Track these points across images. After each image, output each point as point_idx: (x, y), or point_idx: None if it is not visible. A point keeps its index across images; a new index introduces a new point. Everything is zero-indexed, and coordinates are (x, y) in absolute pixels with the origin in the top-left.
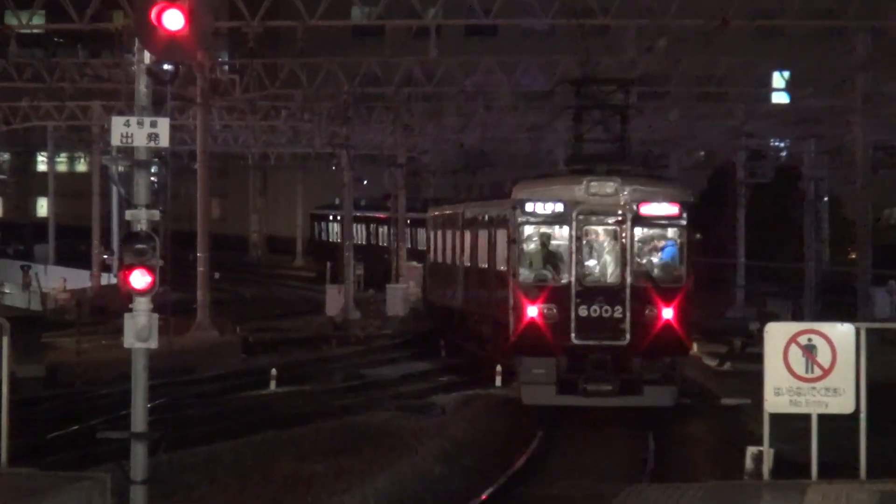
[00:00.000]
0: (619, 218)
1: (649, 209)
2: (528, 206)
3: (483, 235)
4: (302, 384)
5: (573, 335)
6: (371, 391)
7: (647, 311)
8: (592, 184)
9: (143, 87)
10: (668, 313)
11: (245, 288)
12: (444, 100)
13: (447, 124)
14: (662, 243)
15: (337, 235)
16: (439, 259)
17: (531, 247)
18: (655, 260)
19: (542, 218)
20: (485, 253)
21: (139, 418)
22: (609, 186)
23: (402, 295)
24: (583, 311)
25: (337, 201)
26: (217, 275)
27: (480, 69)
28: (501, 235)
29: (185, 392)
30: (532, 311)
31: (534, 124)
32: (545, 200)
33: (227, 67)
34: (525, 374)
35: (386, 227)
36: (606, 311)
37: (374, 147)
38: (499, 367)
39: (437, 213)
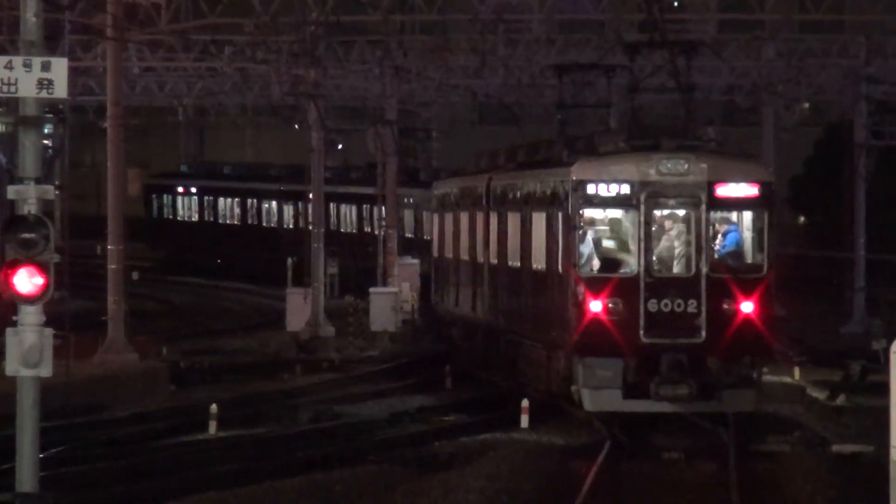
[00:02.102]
0: (693, 200)
1: (726, 190)
2: (591, 188)
3: (520, 219)
4: (254, 426)
5: (642, 333)
6: (350, 436)
7: (724, 305)
8: (663, 162)
9: (31, 14)
10: (747, 307)
11: (175, 293)
12: (452, 31)
13: (455, 66)
14: (741, 228)
15: (188, 213)
16: (453, 252)
17: (593, 233)
18: (733, 247)
19: (605, 200)
20: (526, 242)
21: (27, 474)
22: (682, 165)
23: (392, 303)
24: (653, 306)
25: (184, 168)
26: (136, 275)
27: None
28: (545, 218)
29: (90, 438)
30: (595, 307)
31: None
32: (609, 181)
33: None
34: (588, 377)
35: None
36: (679, 305)
37: (355, 97)
38: (525, 403)
39: (447, 188)
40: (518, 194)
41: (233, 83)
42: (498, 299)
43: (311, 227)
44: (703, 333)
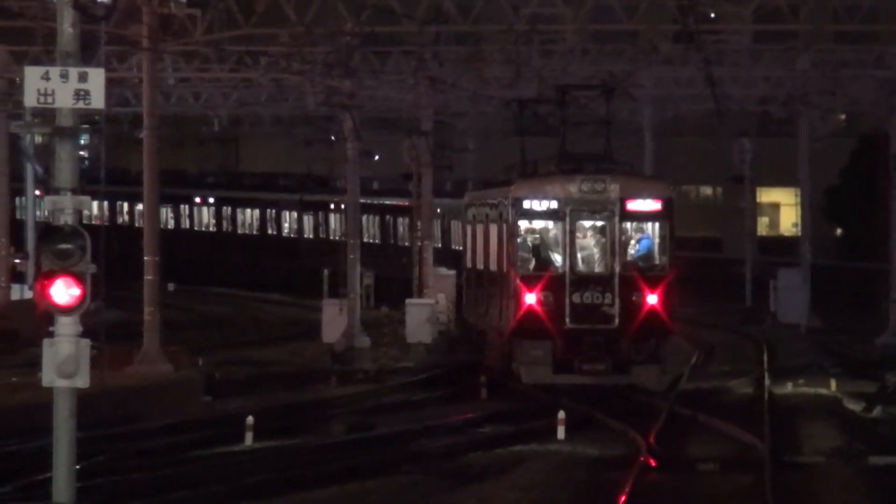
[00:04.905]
0: (608, 213)
1: (635, 205)
2: (526, 203)
3: (485, 229)
4: (289, 437)
5: (567, 320)
6: (384, 447)
7: (633, 298)
8: (584, 182)
9: (68, 25)
10: (652, 299)
11: (210, 304)
12: (486, 42)
13: (490, 76)
14: (647, 236)
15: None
16: (473, 263)
17: (528, 240)
18: (641, 251)
19: (538, 213)
20: (488, 249)
21: (63, 484)
22: (599, 184)
23: (427, 314)
24: (576, 298)
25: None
26: (172, 286)
27: None
28: (497, 229)
29: (126, 448)
30: (530, 299)
31: (610, 75)
32: (541, 198)
33: None
34: (524, 355)
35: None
36: (597, 297)
37: (389, 108)
38: (561, 414)
39: (473, 200)
40: (482, 210)
41: (268, 94)
42: (476, 299)
43: (347, 238)
44: (617, 320)
